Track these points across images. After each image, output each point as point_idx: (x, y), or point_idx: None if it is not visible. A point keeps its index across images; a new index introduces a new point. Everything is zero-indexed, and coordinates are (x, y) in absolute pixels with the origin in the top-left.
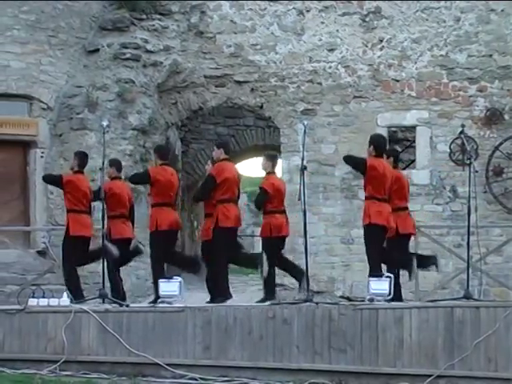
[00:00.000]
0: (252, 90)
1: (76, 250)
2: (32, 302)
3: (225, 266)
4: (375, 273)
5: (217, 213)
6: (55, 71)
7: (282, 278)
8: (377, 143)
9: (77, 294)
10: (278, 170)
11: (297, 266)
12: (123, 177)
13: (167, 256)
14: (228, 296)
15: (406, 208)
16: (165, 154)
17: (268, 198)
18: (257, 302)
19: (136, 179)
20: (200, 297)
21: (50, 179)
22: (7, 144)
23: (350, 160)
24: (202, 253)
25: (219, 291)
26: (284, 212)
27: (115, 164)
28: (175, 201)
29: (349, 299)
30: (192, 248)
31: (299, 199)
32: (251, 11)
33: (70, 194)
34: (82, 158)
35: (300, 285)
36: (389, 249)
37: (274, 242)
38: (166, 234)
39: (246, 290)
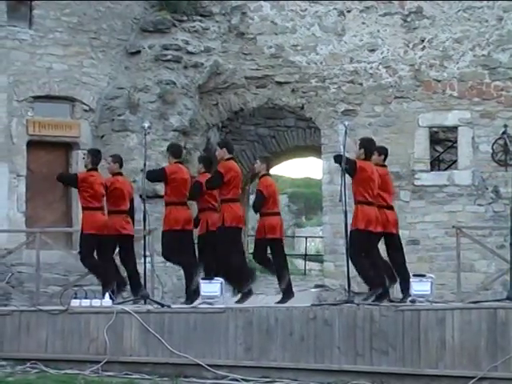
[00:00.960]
0: (293, 90)
1: (91, 248)
2: (74, 302)
3: (239, 264)
4: (367, 283)
5: (223, 212)
6: (97, 73)
7: (323, 279)
8: (367, 146)
9: (105, 282)
10: (318, 171)
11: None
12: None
13: (176, 254)
14: (249, 292)
15: (389, 206)
16: (178, 152)
17: (264, 201)
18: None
19: (152, 176)
20: None
21: (64, 178)
22: (50, 145)
23: (340, 160)
24: (197, 246)
25: (240, 288)
26: (278, 214)
27: (118, 160)
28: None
29: (390, 300)
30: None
31: (340, 200)
32: (292, 12)
33: (84, 191)
34: (96, 155)
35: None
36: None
37: (268, 243)
38: (180, 233)
39: None
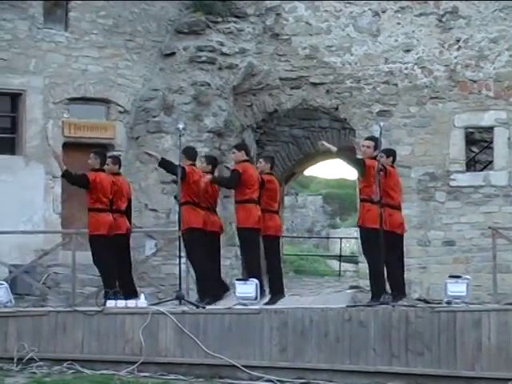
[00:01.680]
0: (327, 91)
1: (101, 249)
2: (110, 303)
3: (258, 265)
4: (375, 276)
5: (237, 213)
6: (132, 75)
7: (358, 280)
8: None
9: (108, 286)
10: (353, 172)
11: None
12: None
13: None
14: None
15: (395, 206)
16: (193, 154)
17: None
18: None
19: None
20: None
21: (73, 178)
22: (85, 147)
23: (347, 156)
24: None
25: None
26: (277, 212)
27: (117, 161)
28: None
29: (426, 301)
30: None
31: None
32: (326, 13)
33: (92, 192)
34: (104, 156)
35: (271, 299)
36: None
37: (276, 240)
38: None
39: (321, 291)
